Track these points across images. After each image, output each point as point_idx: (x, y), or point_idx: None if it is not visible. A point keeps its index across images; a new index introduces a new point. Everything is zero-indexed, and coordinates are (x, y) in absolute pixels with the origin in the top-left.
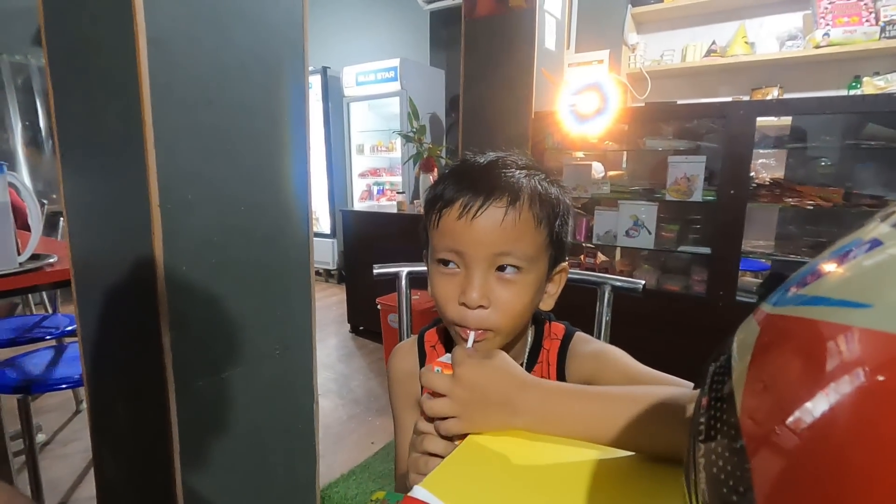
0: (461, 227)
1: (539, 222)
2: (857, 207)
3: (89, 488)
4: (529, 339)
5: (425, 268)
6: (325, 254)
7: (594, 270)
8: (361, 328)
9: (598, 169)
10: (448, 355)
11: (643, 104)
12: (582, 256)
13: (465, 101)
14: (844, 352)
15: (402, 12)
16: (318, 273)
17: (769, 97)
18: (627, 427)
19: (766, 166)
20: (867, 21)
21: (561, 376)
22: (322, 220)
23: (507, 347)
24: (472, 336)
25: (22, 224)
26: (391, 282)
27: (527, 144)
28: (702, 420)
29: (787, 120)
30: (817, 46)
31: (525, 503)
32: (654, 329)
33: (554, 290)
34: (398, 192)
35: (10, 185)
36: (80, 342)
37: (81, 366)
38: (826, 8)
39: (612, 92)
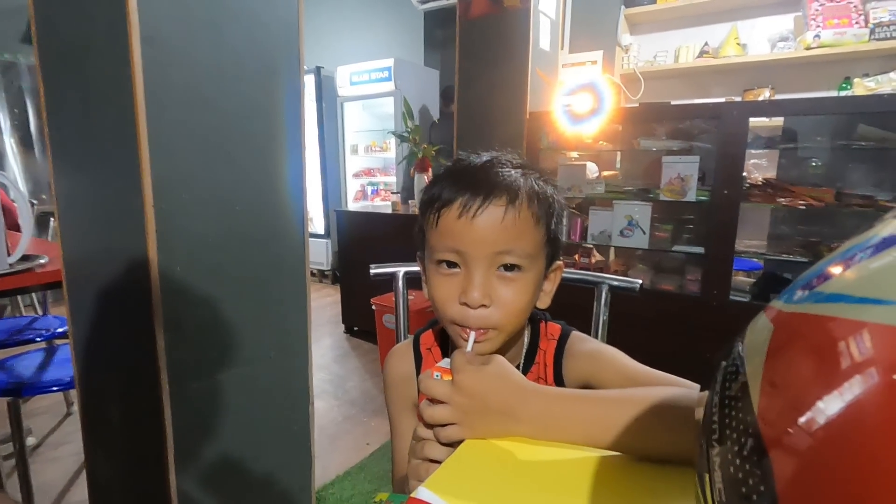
0: (461, 227)
1: (538, 220)
2: (848, 207)
3: (81, 492)
4: (526, 339)
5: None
6: (320, 254)
7: (589, 270)
8: (356, 329)
9: (592, 169)
10: (447, 360)
11: (637, 105)
12: (577, 256)
13: (460, 101)
14: (867, 349)
15: (396, 12)
16: (312, 274)
17: (761, 98)
18: (629, 431)
19: (759, 166)
20: (857, 23)
21: (558, 376)
22: (316, 220)
23: (504, 347)
24: (472, 337)
25: (11, 224)
26: (386, 282)
27: (522, 144)
28: (715, 420)
29: (778, 121)
30: (808, 48)
31: (526, 501)
32: (648, 328)
33: (550, 287)
34: (393, 193)
35: (0, 184)
36: (71, 344)
37: (73, 368)
38: (817, 10)
39: (605, 92)
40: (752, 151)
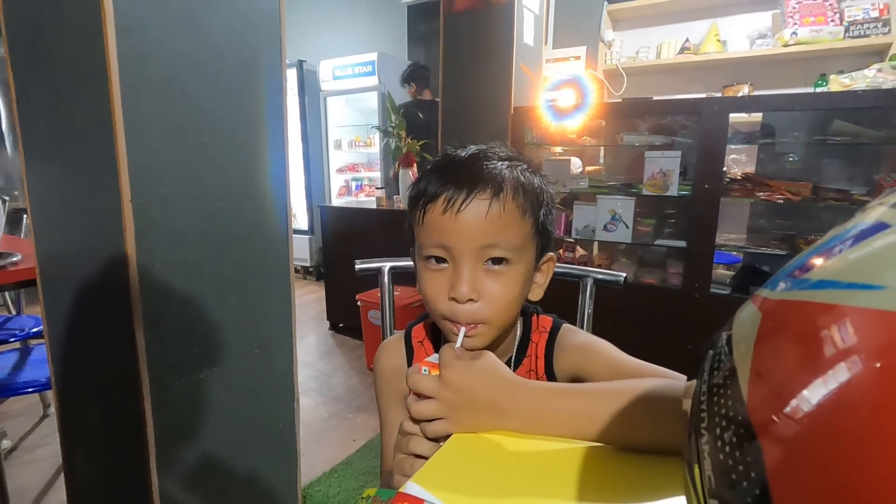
0: (446, 222)
1: (524, 212)
2: (824, 201)
3: (59, 495)
4: (518, 332)
5: (407, 263)
6: (303, 250)
7: (573, 264)
8: (341, 325)
9: (576, 164)
10: (436, 355)
11: (620, 100)
12: (561, 251)
13: (444, 96)
14: (855, 334)
15: (379, 6)
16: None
17: (740, 94)
18: (615, 423)
19: (738, 161)
20: (832, 21)
21: (549, 368)
22: (300, 216)
23: (496, 341)
24: (462, 332)
25: None
26: (371, 278)
27: (506, 139)
28: (703, 408)
29: (757, 116)
30: (786, 45)
31: (515, 494)
32: (632, 321)
33: (542, 279)
34: (377, 188)
35: None
36: (47, 344)
37: (49, 368)
38: (794, 8)
39: (589, 88)
40: (732, 146)
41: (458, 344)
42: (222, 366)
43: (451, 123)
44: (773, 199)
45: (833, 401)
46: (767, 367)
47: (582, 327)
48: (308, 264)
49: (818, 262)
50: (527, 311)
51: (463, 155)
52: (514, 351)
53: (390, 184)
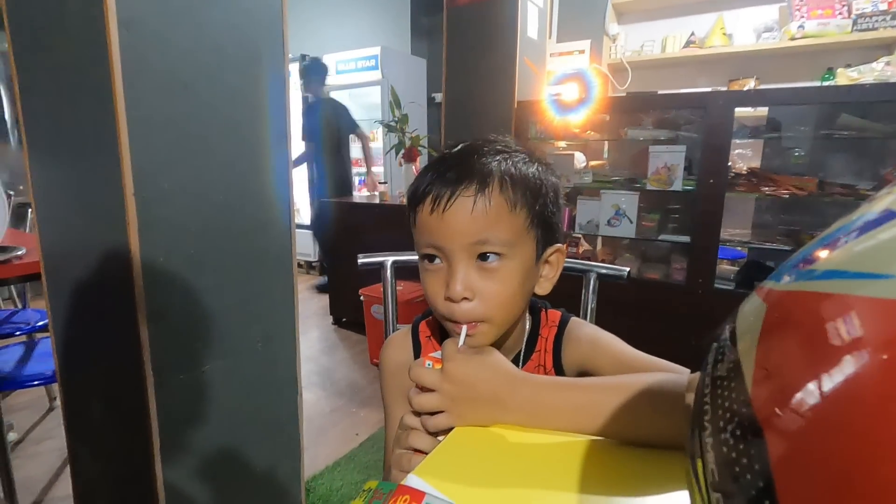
0: (434, 222)
1: (513, 205)
2: (830, 196)
3: (65, 487)
4: (527, 328)
5: (410, 257)
6: (307, 245)
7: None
8: (344, 320)
9: (580, 159)
10: (439, 351)
11: (624, 94)
12: (564, 245)
13: (448, 90)
14: (864, 324)
15: None
16: (298, 265)
17: (746, 88)
18: (617, 417)
19: (743, 156)
20: (840, 14)
21: (557, 363)
22: (303, 210)
23: (503, 338)
24: (463, 331)
25: None
26: (375, 272)
27: (510, 134)
28: (707, 401)
29: (763, 110)
30: (792, 38)
31: (517, 487)
32: (634, 316)
33: (550, 272)
34: (381, 183)
35: None
36: (52, 337)
37: (54, 362)
38: (801, 0)
39: (593, 82)
40: (737, 141)
41: (461, 343)
42: (225, 360)
43: (454, 118)
44: (779, 194)
45: (839, 393)
46: (772, 360)
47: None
48: (311, 259)
49: (823, 253)
50: (535, 307)
51: (455, 152)
52: (524, 346)
53: (393, 178)
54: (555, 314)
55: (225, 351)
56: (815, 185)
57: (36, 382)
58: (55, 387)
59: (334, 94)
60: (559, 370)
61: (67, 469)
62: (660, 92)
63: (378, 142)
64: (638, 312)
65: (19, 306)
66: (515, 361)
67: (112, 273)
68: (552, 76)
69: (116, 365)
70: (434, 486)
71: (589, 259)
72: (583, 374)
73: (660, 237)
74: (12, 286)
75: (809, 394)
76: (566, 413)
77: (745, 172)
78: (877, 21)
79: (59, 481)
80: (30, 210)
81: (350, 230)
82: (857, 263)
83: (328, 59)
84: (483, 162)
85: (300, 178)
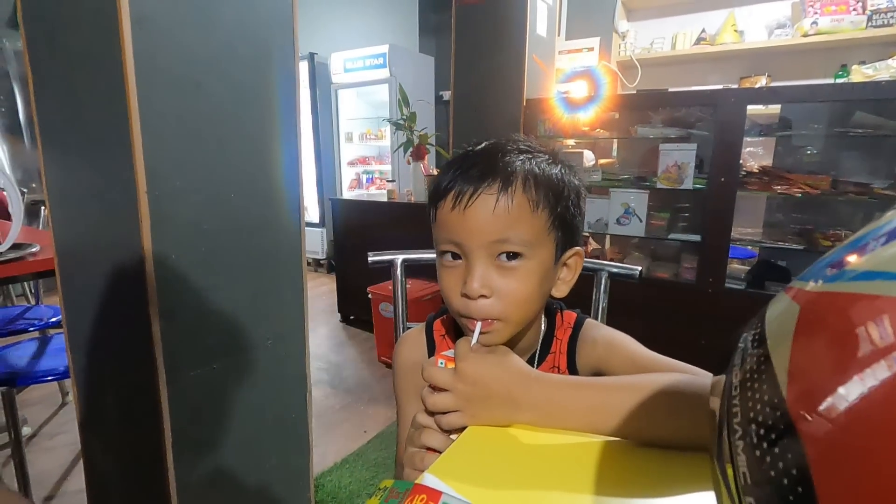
0: (455, 218)
1: (536, 206)
2: (843, 195)
3: (78, 481)
4: (542, 329)
5: (420, 255)
6: (315, 243)
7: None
8: (352, 317)
9: (588, 157)
10: (452, 350)
11: (634, 92)
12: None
13: (456, 88)
14: None
15: None
16: (307, 263)
17: (758, 85)
18: (631, 417)
19: (755, 154)
20: (854, 10)
21: (571, 363)
22: (311, 209)
23: (517, 338)
24: (478, 328)
25: (1, 213)
26: (383, 271)
27: (518, 132)
28: (735, 404)
29: (775, 108)
30: (805, 35)
31: (532, 487)
32: (644, 316)
33: (568, 275)
34: (388, 181)
35: None
36: (65, 333)
37: (67, 358)
38: None
39: (602, 79)
40: (749, 139)
41: (474, 341)
42: (236, 356)
43: (463, 116)
44: (791, 192)
45: (880, 394)
46: (807, 360)
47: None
48: (320, 257)
49: (853, 258)
50: (551, 308)
51: (478, 150)
52: (539, 347)
53: (401, 177)
54: (570, 315)
55: (235, 348)
56: (828, 184)
57: (49, 378)
58: (68, 382)
59: (342, 92)
60: (574, 371)
61: (80, 463)
62: (670, 89)
63: (386, 140)
64: (647, 312)
65: (33, 302)
66: (530, 362)
67: (125, 270)
68: (561, 74)
69: (129, 360)
70: (449, 485)
71: (598, 258)
72: (597, 375)
73: (670, 236)
74: (26, 283)
75: (848, 394)
76: (580, 413)
77: (756, 171)
78: (892, 17)
79: (72, 475)
80: (43, 207)
81: (358, 228)
82: (893, 265)
83: (336, 58)
84: (507, 160)
85: (308, 176)
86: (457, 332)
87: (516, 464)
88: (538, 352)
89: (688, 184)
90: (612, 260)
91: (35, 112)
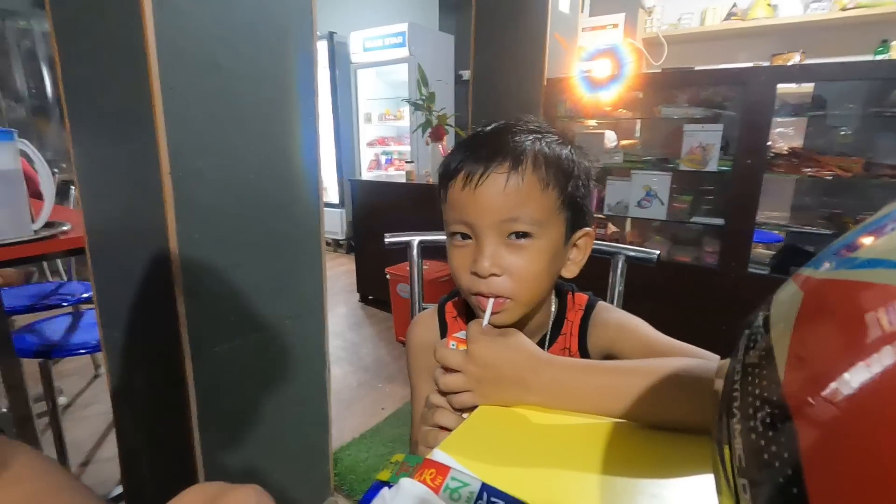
0: (466, 198)
1: (546, 185)
2: (877, 178)
3: (111, 449)
4: (553, 310)
5: (437, 237)
6: (334, 224)
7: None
8: (370, 297)
9: (610, 138)
10: (464, 332)
11: (659, 70)
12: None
13: (476, 67)
14: None
15: None
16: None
17: (790, 63)
18: (641, 400)
19: (785, 135)
20: None
21: (583, 346)
22: (330, 189)
23: (528, 318)
24: (489, 308)
25: (33, 192)
26: (401, 251)
27: (538, 112)
28: (736, 387)
29: (808, 87)
30: (844, 9)
31: (538, 465)
32: (664, 300)
33: (578, 256)
34: (407, 162)
35: (22, 153)
36: (96, 309)
37: (99, 332)
38: None
39: (627, 58)
40: (779, 119)
41: (486, 321)
42: (257, 334)
43: (482, 96)
44: (821, 175)
45: (876, 385)
46: (807, 348)
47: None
48: (339, 237)
49: (868, 240)
50: (562, 290)
51: (488, 130)
52: (549, 329)
53: (420, 157)
54: (581, 297)
55: (256, 325)
56: (861, 166)
57: (82, 351)
58: (100, 355)
59: (361, 72)
60: (585, 354)
61: (113, 432)
62: (697, 68)
63: (405, 120)
64: (668, 296)
65: (66, 279)
66: (541, 344)
67: (150, 249)
68: (584, 52)
69: (156, 336)
70: (458, 461)
71: (617, 241)
72: (609, 358)
73: (692, 219)
74: (59, 260)
75: (844, 385)
76: (590, 395)
77: (785, 152)
78: None
79: (105, 443)
80: (72, 187)
81: (377, 209)
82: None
83: (355, 37)
84: (517, 140)
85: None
86: (468, 314)
87: (523, 443)
88: (549, 333)
89: (712, 166)
90: (631, 243)
91: (63, 93)
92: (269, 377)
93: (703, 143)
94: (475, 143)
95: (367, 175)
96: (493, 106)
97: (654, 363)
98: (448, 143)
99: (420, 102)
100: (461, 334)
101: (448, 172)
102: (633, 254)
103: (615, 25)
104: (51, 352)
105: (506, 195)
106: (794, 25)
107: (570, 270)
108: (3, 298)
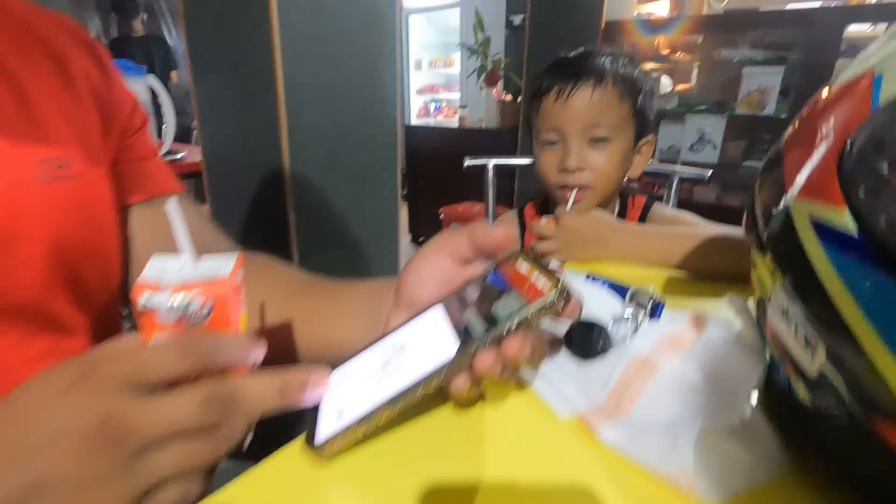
0: (558, 108)
1: (622, 97)
2: None
3: None
4: (615, 209)
5: (511, 161)
6: None
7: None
8: (422, 239)
9: (665, 83)
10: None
11: (721, 12)
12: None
13: (532, 10)
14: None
15: None
16: None
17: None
18: (690, 254)
19: None
20: None
21: None
22: None
23: None
24: (571, 197)
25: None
26: (452, 193)
27: None
28: (756, 187)
29: (881, 28)
30: None
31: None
32: None
33: (641, 160)
34: (460, 107)
35: (149, 87)
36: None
37: None
38: None
39: None
40: (844, 60)
41: (569, 207)
42: (346, 249)
43: (538, 39)
44: None
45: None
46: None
47: None
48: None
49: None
50: (624, 193)
51: (571, 55)
52: None
53: (472, 103)
54: (640, 199)
55: (344, 242)
56: None
57: None
58: None
59: (413, 18)
60: None
61: None
62: (761, 9)
63: (455, 67)
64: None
65: None
66: None
67: (266, 169)
68: None
69: (266, 247)
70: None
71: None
72: None
73: (745, 164)
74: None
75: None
76: (653, 251)
77: None
78: None
79: None
80: (193, 128)
81: (431, 153)
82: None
83: None
84: (598, 61)
85: None
86: (543, 213)
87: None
88: None
89: (769, 110)
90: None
91: (185, 37)
92: None
93: (762, 87)
94: (564, 64)
95: (416, 122)
96: (549, 50)
97: (701, 230)
98: (501, 88)
99: (475, 47)
100: (550, 216)
101: (542, 89)
102: (686, 174)
103: None
104: None
105: (590, 105)
106: None
107: (635, 171)
108: None
